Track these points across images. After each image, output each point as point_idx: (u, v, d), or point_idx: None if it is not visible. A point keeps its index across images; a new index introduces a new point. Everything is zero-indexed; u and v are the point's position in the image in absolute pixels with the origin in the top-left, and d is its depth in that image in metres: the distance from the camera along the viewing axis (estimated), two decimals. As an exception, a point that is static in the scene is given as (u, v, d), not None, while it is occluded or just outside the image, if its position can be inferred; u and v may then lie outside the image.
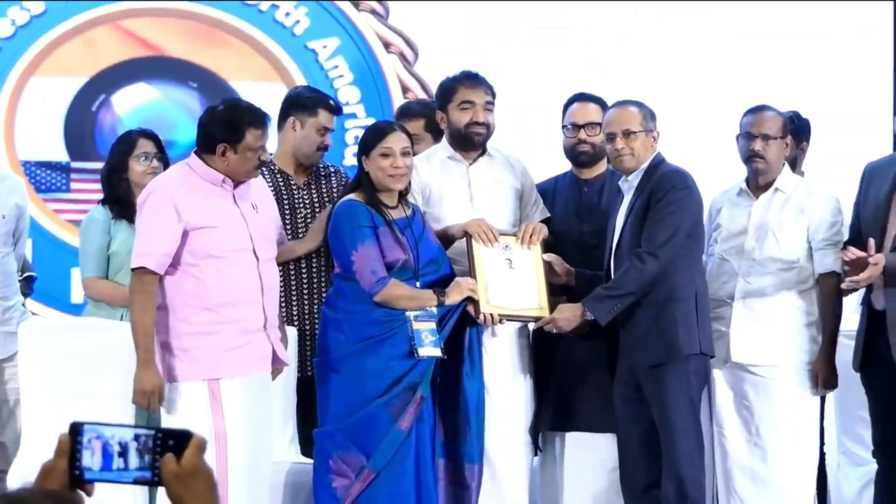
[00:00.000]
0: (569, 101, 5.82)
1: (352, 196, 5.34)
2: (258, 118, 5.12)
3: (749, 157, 5.59)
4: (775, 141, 5.55)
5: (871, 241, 5.25)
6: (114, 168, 5.98)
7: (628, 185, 5.46)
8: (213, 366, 5.06)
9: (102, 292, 5.89)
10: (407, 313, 5.25)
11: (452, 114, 5.62)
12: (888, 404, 5.45)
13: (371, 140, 5.32)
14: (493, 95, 5.66)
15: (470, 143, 5.64)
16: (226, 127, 5.09)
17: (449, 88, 5.65)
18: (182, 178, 5.14)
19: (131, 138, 6.01)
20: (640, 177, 5.42)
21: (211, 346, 5.06)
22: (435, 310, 5.29)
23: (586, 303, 5.36)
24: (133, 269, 5.10)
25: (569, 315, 5.40)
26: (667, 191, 5.34)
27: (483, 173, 5.69)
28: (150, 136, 6.03)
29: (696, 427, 5.37)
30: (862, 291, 5.46)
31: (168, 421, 5.09)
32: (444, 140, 5.71)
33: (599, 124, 5.66)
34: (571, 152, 5.75)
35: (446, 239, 5.54)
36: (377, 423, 5.20)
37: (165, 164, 6.01)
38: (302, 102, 5.90)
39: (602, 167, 5.77)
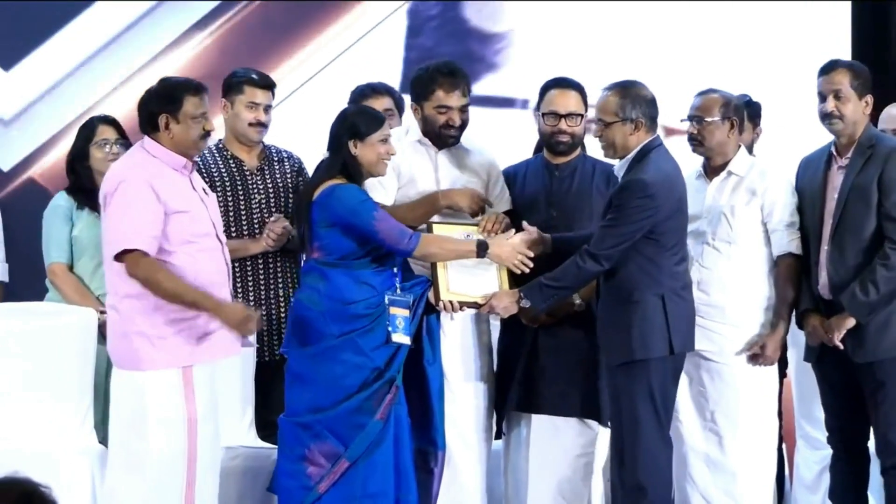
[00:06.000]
0: (548, 84, 5.77)
1: (335, 181, 5.30)
2: (194, 86, 5.16)
3: (688, 140, 5.65)
4: (711, 124, 5.57)
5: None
6: (76, 155, 6.00)
7: (616, 168, 5.44)
8: (189, 353, 5.06)
9: (65, 284, 5.90)
10: (386, 299, 5.27)
11: (428, 112, 5.64)
12: (839, 392, 5.52)
13: (369, 127, 5.30)
14: (470, 91, 5.68)
15: (442, 142, 5.68)
16: (163, 99, 5.12)
17: (426, 87, 5.64)
18: (149, 163, 5.12)
19: (92, 125, 6.03)
20: (626, 169, 5.37)
21: (186, 333, 5.05)
22: (410, 297, 5.30)
23: (524, 290, 5.38)
24: (124, 255, 4.99)
25: (506, 302, 5.41)
26: (625, 197, 5.28)
27: (450, 160, 5.72)
28: (111, 122, 6.05)
29: (653, 424, 5.32)
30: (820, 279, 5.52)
31: (141, 411, 5.05)
32: (414, 121, 5.74)
33: (580, 115, 5.68)
34: (549, 140, 5.75)
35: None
36: (357, 416, 5.23)
37: (128, 150, 6.03)
38: (229, 83, 5.97)
39: (575, 152, 5.79)
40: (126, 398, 5.10)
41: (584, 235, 5.48)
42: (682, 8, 7.90)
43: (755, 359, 5.53)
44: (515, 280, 5.51)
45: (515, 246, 5.41)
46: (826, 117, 5.48)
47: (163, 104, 5.11)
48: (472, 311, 5.56)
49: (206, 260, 5.10)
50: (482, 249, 5.36)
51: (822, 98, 5.47)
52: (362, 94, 6.20)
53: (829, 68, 5.50)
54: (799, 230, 5.55)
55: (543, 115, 5.74)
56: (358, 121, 5.34)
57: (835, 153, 5.51)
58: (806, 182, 5.57)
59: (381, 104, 5.98)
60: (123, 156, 5.37)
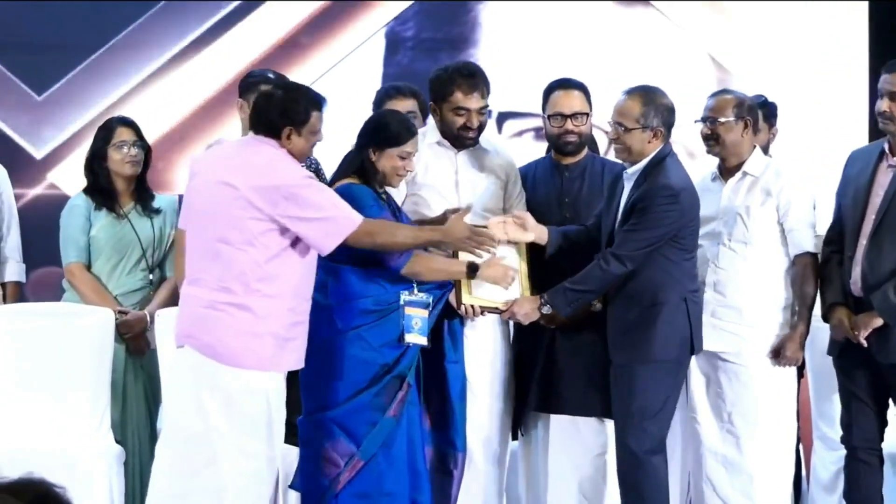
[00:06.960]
0: (551, 87, 5.77)
1: (349, 180, 5.31)
2: (318, 100, 5.06)
3: (703, 141, 5.64)
4: (724, 125, 5.56)
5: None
6: (94, 156, 6.02)
7: (627, 177, 5.44)
8: (301, 356, 5.05)
9: (82, 284, 5.92)
10: (401, 299, 5.25)
11: (446, 113, 5.61)
12: (858, 389, 5.48)
13: (393, 139, 5.25)
14: (489, 92, 5.65)
15: (461, 144, 5.68)
16: (291, 112, 4.98)
17: (445, 88, 5.60)
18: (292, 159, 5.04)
19: (110, 126, 6.05)
20: (638, 174, 5.38)
21: (301, 338, 5.03)
22: (429, 298, 5.28)
23: (547, 295, 5.39)
24: (350, 235, 4.95)
25: (527, 308, 5.43)
26: (650, 201, 5.30)
27: (470, 161, 5.72)
28: (130, 124, 6.06)
29: (657, 424, 5.36)
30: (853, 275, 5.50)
31: (265, 413, 4.95)
32: (433, 123, 5.74)
33: (585, 114, 5.69)
34: (557, 141, 5.75)
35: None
36: (368, 413, 5.20)
37: (146, 151, 6.04)
38: (246, 83, 5.91)
39: (583, 152, 5.80)
40: (242, 399, 4.90)
41: (578, 229, 5.54)
42: (694, 8, 7.90)
43: (776, 359, 5.53)
44: (536, 285, 5.51)
45: (507, 266, 5.39)
46: (879, 115, 5.43)
47: (290, 117, 4.96)
48: (494, 315, 5.56)
49: (311, 264, 5.06)
50: (472, 271, 5.31)
51: (881, 96, 5.42)
52: (386, 94, 6.20)
53: (890, 68, 5.41)
54: (834, 225, 5.52)
55: (549, 117, 5.73)
56: (382, 129, 5.29)
57: (887, 150, 5.45)
58: (852, 175, 5.51)
59: (404, 106, 5.96)
60: (257, 149, 4.99)
